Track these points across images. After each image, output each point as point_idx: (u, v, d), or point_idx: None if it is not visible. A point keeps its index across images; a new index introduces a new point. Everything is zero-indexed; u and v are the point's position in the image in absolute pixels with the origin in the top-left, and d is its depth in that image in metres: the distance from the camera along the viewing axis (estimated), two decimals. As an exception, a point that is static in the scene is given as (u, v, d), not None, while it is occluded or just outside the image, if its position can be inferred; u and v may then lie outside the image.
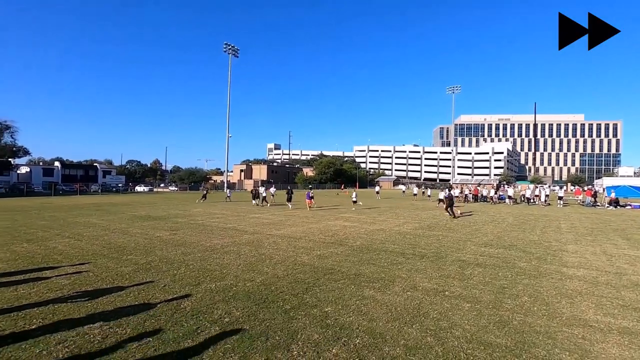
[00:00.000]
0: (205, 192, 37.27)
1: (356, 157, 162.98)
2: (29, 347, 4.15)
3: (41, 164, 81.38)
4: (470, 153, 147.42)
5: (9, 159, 57.24)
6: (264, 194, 28.88)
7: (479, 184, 65.13)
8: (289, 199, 26.36)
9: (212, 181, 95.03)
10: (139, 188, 71.98)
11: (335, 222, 17.34)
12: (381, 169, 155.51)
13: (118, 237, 12.32)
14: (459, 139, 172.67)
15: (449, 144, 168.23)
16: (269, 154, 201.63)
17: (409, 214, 22.20)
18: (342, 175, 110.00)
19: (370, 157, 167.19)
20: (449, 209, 20.14)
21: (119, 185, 73.08)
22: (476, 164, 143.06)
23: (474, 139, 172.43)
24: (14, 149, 55.95)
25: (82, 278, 7.06)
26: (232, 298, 5.91)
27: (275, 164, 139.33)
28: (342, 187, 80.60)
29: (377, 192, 44.33)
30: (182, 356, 3.96)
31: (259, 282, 6.88)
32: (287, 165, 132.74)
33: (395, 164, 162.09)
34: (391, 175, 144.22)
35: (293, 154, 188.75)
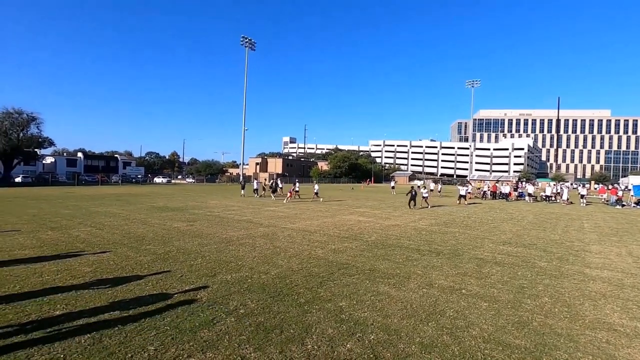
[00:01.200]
0: (242, 184, 33.15)
1: (372, 151, 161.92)
2: (53, 332, 4.30)
3: (65, 154, 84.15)
4: (489, 149, 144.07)
5: (35, 150, 59.32)
6: (255, 186, 30.83)
7: (497, 181, 63.69)
8: (274, 191, 28.14)
9: (229, 174, 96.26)
10: (157, 179, 73.63)
11: (350, 216, 17.29)
12: (397, 164, 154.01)
13: (137, 227, 12.63)
14: (478, 135, 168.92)
15: (467, 140, 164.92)
16: (284, 148, 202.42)
17: (424, 209, 21.91)
18: (357, 169, 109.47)
19: (385, 151, 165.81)
20: (411, 202, 22.50)
21: (139, 176, 75.02)
22: (495, 160, 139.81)
23: (493, 135, 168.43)
24: (40, 140, 57.80)
25: (103, 266, 7.27)
26: (247, 290, 5.97)
27: (290, 157, 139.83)
28: (368, 182, 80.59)
29: (392, 187, 43.97)
30: (199, 346, 4.02)
31: (273, 274, 6.93)
32: (302, 159, 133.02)
33: (412, 159, 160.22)
34: (407, 171, 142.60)
35: (308, 148, 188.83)
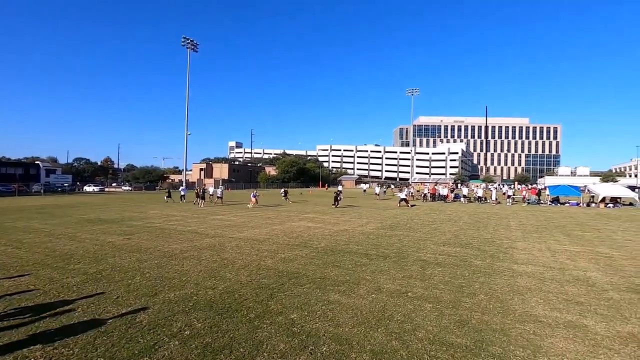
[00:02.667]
0: (167, 190, 35.47)
1: (319, 156, 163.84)
2: (-44, 377, 3.67)
3: (-28, 161, 73.26)
4: (428, 153, 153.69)
5: None
6: (211, 193, 31.42)
7: (436, 183, 68.08)
8: (201, 197, 28.17)
9: (170, 180, 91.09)
10: (88, 188, 67.16)
11: (299, 222, 17.26)
12: (343, 168, 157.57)
13: (64, 243, 11.37)
14: (418, 140, 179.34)
15: (408, 144, 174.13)
16: (230, 153, 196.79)
17: (371, 213, 22.64)
18: (306, 174, 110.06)
19: (333, 156, 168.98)
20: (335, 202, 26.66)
21: (65, 185, 67.66)
22: (433, 164, 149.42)
23: (431, 140, 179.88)
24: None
25: (22, 293, 6.40)
26: (192, 308, 5.64)
27: (237, 162, 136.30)
28: (327, 187, 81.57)
29: (340, 192, 44.81)
30: (138, 376, 3.69)
31: (221, 289, 6.64)
32: (249, 164, 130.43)
33: (357, 163, 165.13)
34: (353, 175, 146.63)
35: (255, 153, 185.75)
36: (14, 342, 4.44)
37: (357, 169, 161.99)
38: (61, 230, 14.34)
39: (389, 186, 75.61)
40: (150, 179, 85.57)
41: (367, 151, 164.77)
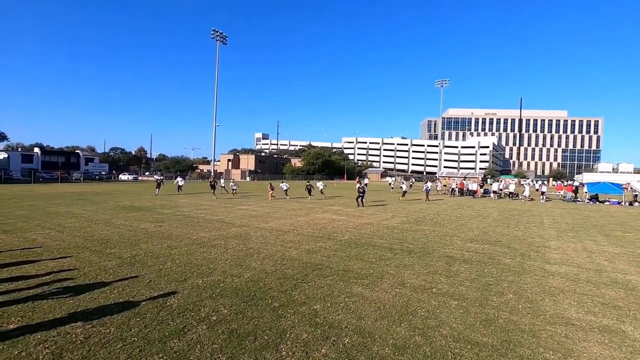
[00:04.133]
0: (158, 182, 30.94)
1: (344, 148, 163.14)
2: (7, 348, 4.00)
3: (20, 149, 78.62)
4: (456, 147, 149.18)
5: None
6: (222, 185, 31.22)
7: (465, 178, 66.15)
8: (212, 187, 28.49)
9: (199, 170, 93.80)
10: (123, 176, 70.52)
11: (323, 215, 17.34)
12: (369, 161, 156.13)
13: (101, 228, 12.03)
14: (447, 133, 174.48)
15: (436, 137, 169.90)
16: (256, 144, 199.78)
17: (397, 207, 22.36)
18: (331, 166, 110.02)
19: (358, 148, 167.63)
20: (358, 199, 22.21)
21: (102, 173, 71.39)
22: (462, 158, 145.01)
23: (460, 133, 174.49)
24: (-10, 134, 53.74)
25: (64, 273, 6.86)
26: (219, 295, 5.83)
27: (263, 154, 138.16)
28: (357, 179, 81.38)
29: (365, 185, 44.52)
30: (169, 357, 3.88)
31: (246, 278, 6.82)
32: (275, 156, 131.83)
33: (384, 156, 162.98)
34: (379, 168, 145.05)
35: (281, 144, 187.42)
36: (57, 318, 4.78)
37: (383, 162, 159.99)
38: (99, 216, 15.17)
39: (414, 180, 74.24)
40: (180, 169, 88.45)
41: (393, 144, 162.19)
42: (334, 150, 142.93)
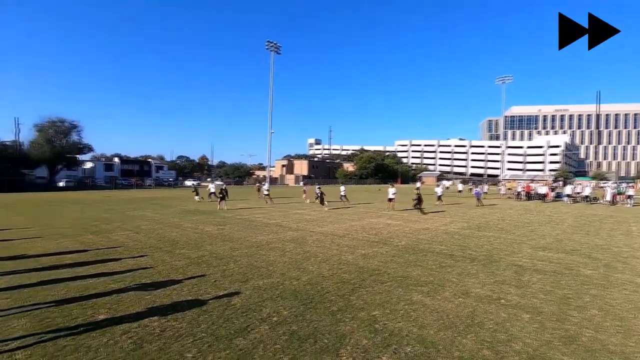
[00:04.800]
0: (195, 188, 32.44)
1: (398, 152, 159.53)
2: (98, 335, 4.49)
3: (103, 159, 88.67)
4: (522, 147, 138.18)
5: (76, 156, 62.91)
6: (266, 192, 27.65)
7: (532, 180, 60.95)
8: (222, 198, 22.63)
9: (255, 176, 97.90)
10: (187, 182, 76.05)
11: (377, 219, 17.07)
12: (424, 164, 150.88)
13: (171, 230, 13.06)
14: (509, 132, 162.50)
15: (497, 137, 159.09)
16: (309, 149, 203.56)
17: (456, 211, 21.28)
18: (384, 170, 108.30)
19: (412, 151, 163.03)
20: (416, 205, 20.27)
21: (170, 179, 77.85)
22: (529, 159, 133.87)
23: (526, 132, 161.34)
24: (80, 146, 61.40)
25: (142, 271, 7.55)
26: (279, 297, 5.99)
27: (316, 159, 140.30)
28: (418, 182, 79.90)
29: (417, 189, 42.84)
30: (235, 354, 4.07)
31: (304, 281, 6.93)
32: (328, 161, 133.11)
33: (440, 158, 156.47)
34: (435, 171, 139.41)
35: (333, 149, 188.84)
36: (138, 312, 5.26)
37: (440, 165, 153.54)
38: (168, 219, 16.50)
39: (474, 183, 70.04)
40: (239, 175, 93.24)
41: (450, 146, 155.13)
42: (387, 154, 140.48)
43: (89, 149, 64.94)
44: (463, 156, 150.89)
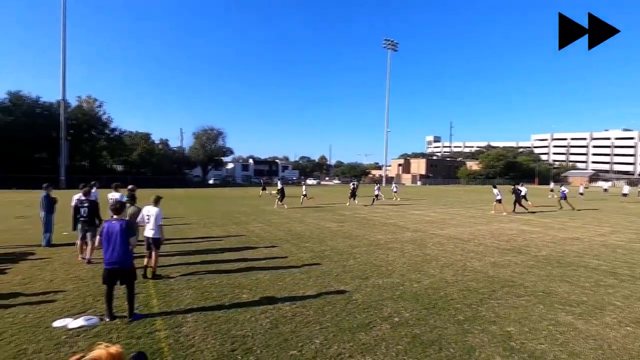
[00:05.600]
0: (263, 185, 35.92)
1: (534, 147, 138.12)
2: (242, 312, 5.26)
3: (240, 161, 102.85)
4: None
5: (221, 158, 74.92)
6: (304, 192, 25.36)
7: None
8: (281, 198, 22.31)
9: (371, 175, 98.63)
10: (308, 181, 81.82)
11: (509, 224, 15.16)
12: (570, 162, 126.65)
13: (297, 225, 14.28)
14: None
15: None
16: (427, 147, 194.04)
17: (618, 220, 17.24)
18: (516, 169, 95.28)
19: (554, 146, 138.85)
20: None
21: (294, 178, 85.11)
22: None
23: None
24: (224, 149, 73.03)
25: (274, 260, 8.50)
26: (399, 298, 5.93)
27: (434, 157, 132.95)
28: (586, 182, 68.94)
29: (552, 190, 35.98)
30: (358, 347, 4.21)
31: (426, 284, 6.68)
32: (448, 159, 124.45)
33: (593, 154, 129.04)
34: (586, 169, 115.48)
35: (455, 146, 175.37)
36: (272, 296, 5.95)
37: (593, 162, 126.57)
38: (294, 214, 18.08)
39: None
40: (355, 174, 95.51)
41: (608, 138, 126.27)
42: (521, 150, 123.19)
43: (230, 152, 76.51)
44: (629, 150, 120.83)
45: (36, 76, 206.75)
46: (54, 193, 10.50)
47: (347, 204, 24.36)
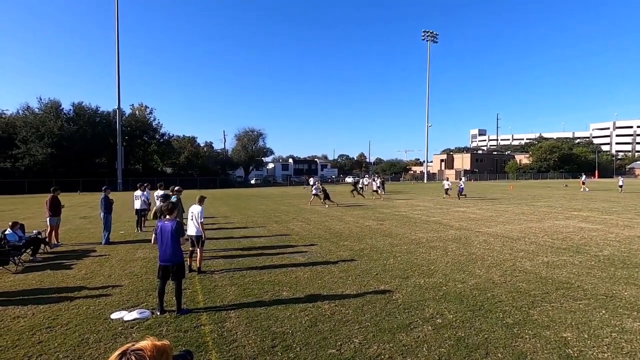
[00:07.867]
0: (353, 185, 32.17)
1: (594, 137, 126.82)
2: (282, 309, 5.34)
3: (280, 161, 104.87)
4: None
5: (262, 158, 76.93)
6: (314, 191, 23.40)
7: None
8: (326, 197, 21.62)
9: (412, 172, 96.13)
10: (347, 179, 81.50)
11: (565, 221, 14.04)
12: (638, 152, 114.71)
13: (336, 223, 14.27)
14: None
15: None
16: (472, 141, 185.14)
17: (697, 216, 15.29)
18: (572, 161, 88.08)
19: (617, 136, 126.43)
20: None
21: (333, 176, 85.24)
22: None
23: None
24: (265, 150, 74.89)
25: (313, 258, 8.56)
26: (442, 298, 5.71)
27: (479, 151, 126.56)
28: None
29: (620, 186, 32.47)
30: (398, 348, 4.11)
31: (471, 285, 6.37)
32: (495, 153, 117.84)
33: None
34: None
35: (502, 140, 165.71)
36: (312, 294, 5.99)
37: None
38: (333, 212, 18.09)
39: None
40: (395, 171, 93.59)
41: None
42: (577, 141, 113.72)
43: (271, 152, 78.26)
44: None
45: (96, 85, 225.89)
46: (113, 195, 11.45)
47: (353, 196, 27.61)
